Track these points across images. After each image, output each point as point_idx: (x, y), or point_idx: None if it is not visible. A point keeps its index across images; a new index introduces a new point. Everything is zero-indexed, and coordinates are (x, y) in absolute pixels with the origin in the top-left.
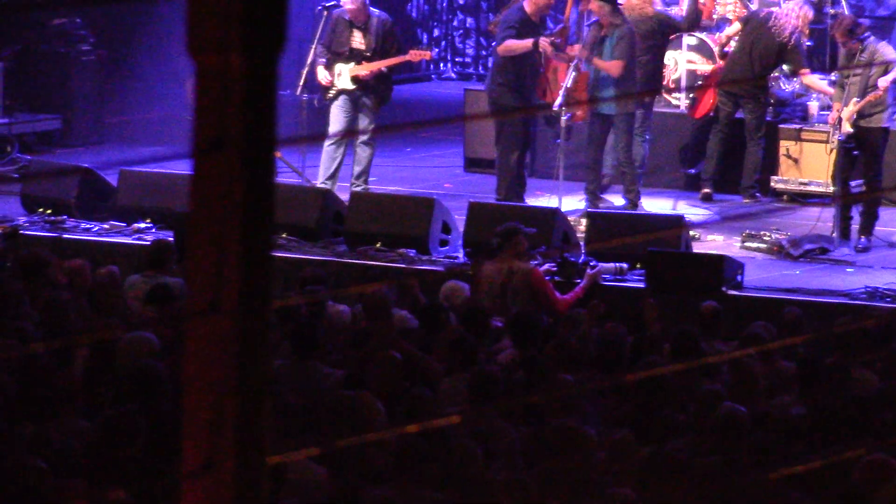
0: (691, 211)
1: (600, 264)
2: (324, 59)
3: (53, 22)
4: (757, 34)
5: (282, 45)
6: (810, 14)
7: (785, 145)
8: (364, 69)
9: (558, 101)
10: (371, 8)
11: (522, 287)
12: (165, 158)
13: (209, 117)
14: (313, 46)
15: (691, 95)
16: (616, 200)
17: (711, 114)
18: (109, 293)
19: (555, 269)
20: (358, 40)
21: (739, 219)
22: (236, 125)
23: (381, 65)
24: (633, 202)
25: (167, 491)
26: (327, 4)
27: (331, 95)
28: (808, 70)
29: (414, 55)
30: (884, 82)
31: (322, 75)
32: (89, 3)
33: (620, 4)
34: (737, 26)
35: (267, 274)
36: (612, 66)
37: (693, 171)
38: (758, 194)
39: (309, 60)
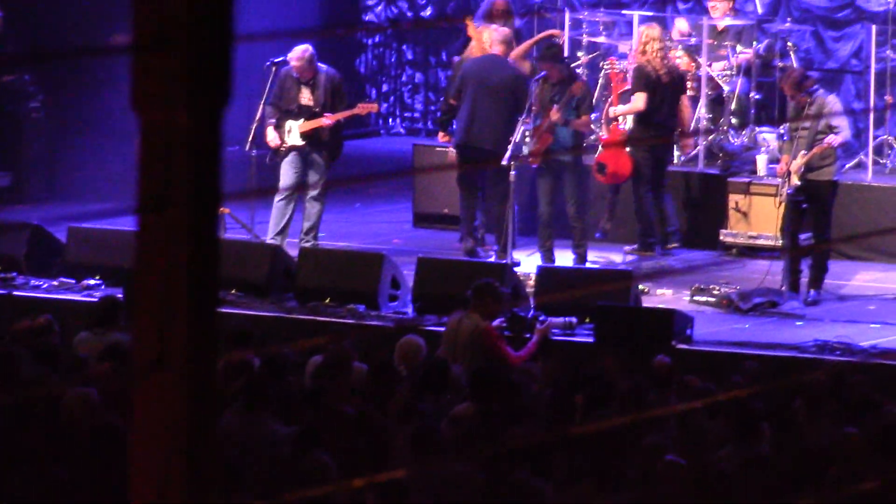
0: (640, 265)
1: (550, 319)
2: (273, 120)
3: (2, 79)
4: (662, 89)
5: (227, 102)
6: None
7: (734, 199)
8: (313, 125)
9: (507, 155)
10: (319, 64)
11: (471, 342)
12: (114, 214)
13: (154, 174)
14: (262, 103)
15: (600, 161)
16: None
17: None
18: (48, 340)
19: (504, 324)
20: (306, 97)
21: (688, 272)
22: (181, 182)
23: (332, 120)
24: (582, 256)
25: None
26: (275, 61)
27: (281, 152)
28: None
29: (362, 108)
30: (835, 140)
31: (271, 137)
32: (40, 59)
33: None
34: (642, 97)
35: (213, 330)
36: (584, 123)
37: (599, 235)
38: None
39: (257, 117)
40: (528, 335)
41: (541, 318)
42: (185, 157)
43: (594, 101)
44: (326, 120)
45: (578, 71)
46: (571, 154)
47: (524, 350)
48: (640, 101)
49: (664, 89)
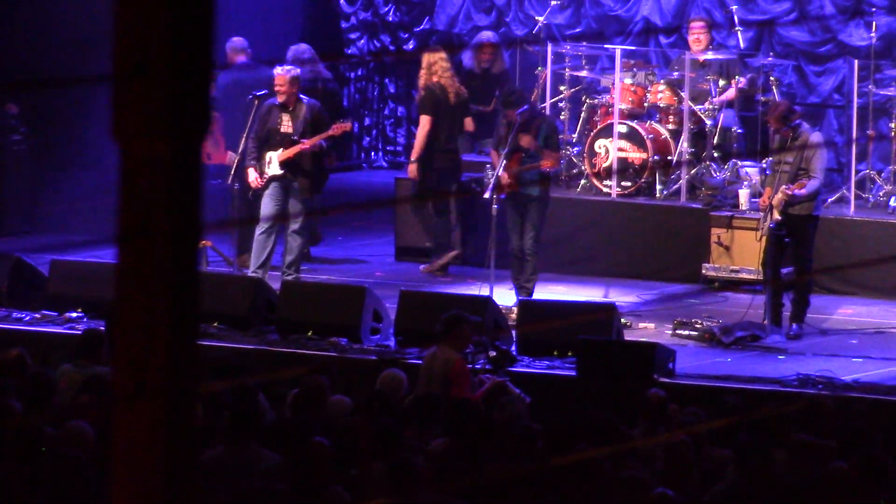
0: (622, 299)
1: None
2: (253, 160)
3: None
4: (451, 111)
5: (206, 132)
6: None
7: (716, 232)
8: (291, 152)
9: (489, 189)
10: (301, 95)
11: (441, 374)
12: (95, 245)
13: (134, 203)
14: (244, 136)
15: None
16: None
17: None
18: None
19: (490, 366)
20: (286, 123)
21: (670, 305)
22: (161, 211)
23: (308, 144)
24: (529, 291)
25: None
26: (258, 94)
27: (261, 185)
28: None
29: (336, 129)
30: (801, 192)
31: (252, 178)
32: (20, 88)
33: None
34: (427, 120)
35: (194, 358)
36: (554, 161)
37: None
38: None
39: (240, 150)
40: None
41: (497, 379)
42: (166, 185)
43: (576, 134)
44: (304, 145)
45: (560, 105)
46: (538, 188)
47: (478, 391)
48: (426, 124)
49: (452, 111)
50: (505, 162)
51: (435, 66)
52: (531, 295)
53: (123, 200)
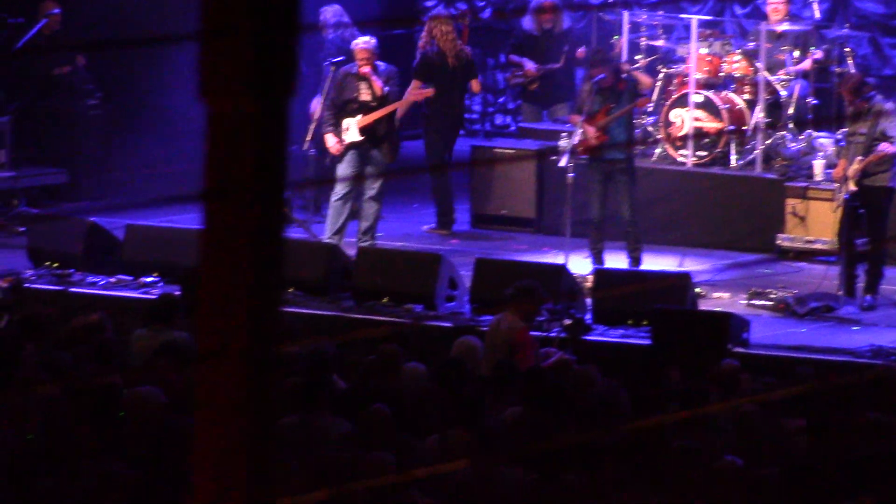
0: (697, 268)
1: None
2: (330, 126)
3: (55, 72)
4: (450, 74)
5: (292, 91)
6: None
7: (791, 203)
8: (371, 118)
9: (564, 160)
10: (378, 61)
11: (504, 341)
12: (178, 202)
13: (219, 162)
14: (321, 102)
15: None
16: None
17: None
18: (103, 337)
19: (563, 334)
20: (364, 91)
21: (745, 275)
22: (246, 170)
23: (386, 111)
24: (637, 260)
25: None
26: (335, 61)
27: (341, 150)
28: None
29: (417, 94)
30: (890, 148)
31: (331, 143)
32: (103, 48)
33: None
34: (416, 85)
35: (276, 318)
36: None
37: None
38: None
39: (316, 116)
40: (584, 337)
41: (565, 357)
42: (251, 145)
43: (652, 103)
44: (386, 110)
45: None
46: (624, 151)
47: (545, 363)
48: (414, 88)
49: (451, 75)
50: (586, 122)
51: (434, 31)
52: (640, 263)
53: (209, 160)
